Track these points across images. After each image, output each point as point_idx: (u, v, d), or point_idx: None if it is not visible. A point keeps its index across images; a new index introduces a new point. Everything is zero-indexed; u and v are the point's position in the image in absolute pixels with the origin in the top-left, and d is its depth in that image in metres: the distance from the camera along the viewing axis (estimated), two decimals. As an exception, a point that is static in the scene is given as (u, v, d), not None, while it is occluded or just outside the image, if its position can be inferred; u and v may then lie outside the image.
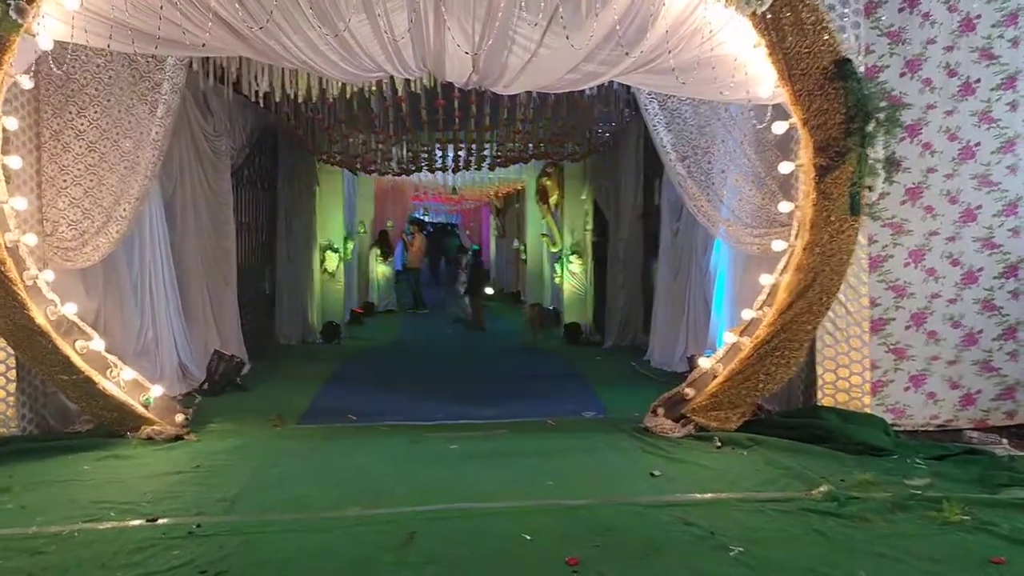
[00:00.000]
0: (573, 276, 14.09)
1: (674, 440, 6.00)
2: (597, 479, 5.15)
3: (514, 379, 8.95)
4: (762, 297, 5.91)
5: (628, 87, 9.37)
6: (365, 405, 7.44)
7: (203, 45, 4.64)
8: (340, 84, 8.15)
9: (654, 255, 10.82)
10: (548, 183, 14.49)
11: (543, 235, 15.59)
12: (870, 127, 4.95)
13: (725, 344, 6.11)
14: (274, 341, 11.33)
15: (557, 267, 14.64)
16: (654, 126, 6.33)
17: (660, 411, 6.29)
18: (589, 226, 13.77)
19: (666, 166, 6.47)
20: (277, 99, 8.52)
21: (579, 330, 13.38)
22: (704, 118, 6.26)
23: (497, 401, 7.55)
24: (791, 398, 6.37)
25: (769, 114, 5.91)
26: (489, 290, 22.93)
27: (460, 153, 12.04)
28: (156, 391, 6.16)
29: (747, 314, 5.93)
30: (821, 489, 4.76)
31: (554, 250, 14.83)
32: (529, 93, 9.86)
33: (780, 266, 5.79)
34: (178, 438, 6.11)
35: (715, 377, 6.07)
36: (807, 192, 5.34)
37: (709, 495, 4.76)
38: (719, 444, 5.83)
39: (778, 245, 5.79)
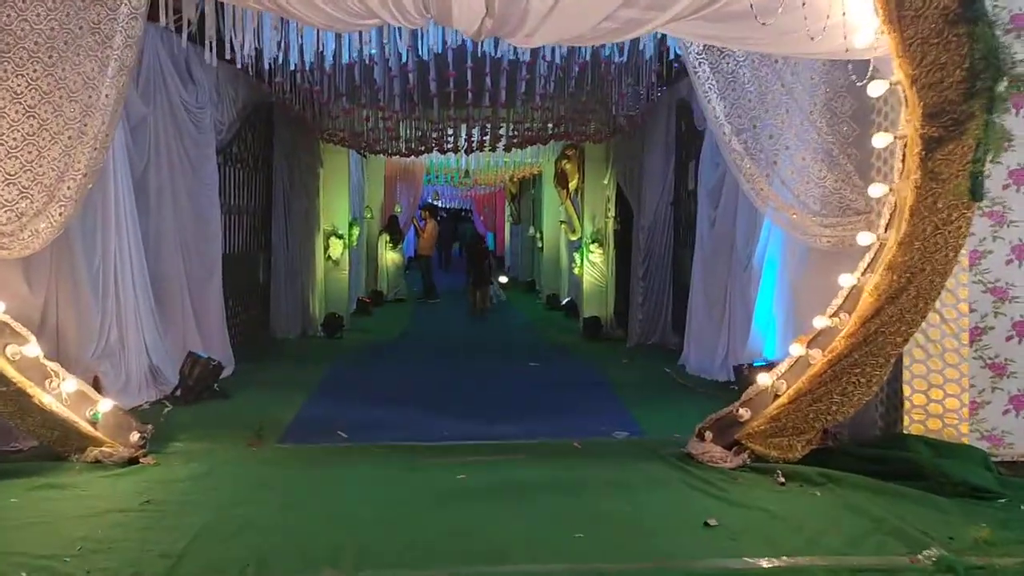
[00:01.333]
0: (593, 266, 12.95)
1: (727, 473, 4.90)
2: (637, 529, 4.05)
3: (533, 387, 7.81)
4: (838, 301, 4.77)
5: (660, 56, 8.27)
6: (360, 417, 6.35)
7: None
8: (335, 42, 7.06)
9: (686, 245, 9.68)
10: (568, 166, 13.34)
11: (562, 222, 14.46)
12: (1000, 87, 3.78)
13: (790, 357, 4.98)
14: (269, 335, 10.26)
15: (576, 256, 13.49)
16: (705, 93, 5.18)
17: (708, 435, 5.18)
18: (611, 213, 12.65)
19: (719, 141, 5.33)
20: (267, 65, 7.44)
21: (599, 324, 12.30)
22: (765, 83, 5.11)
23: (513, 414, 6.44)
24: (864, 422, 5.23)
25: (846, 73, 4.79)
26: (503, 279, 21.90)
27: (473, 132, 10.92)
28: (105, 405, 5.09)
29: (819, 322, 4.79)
30: (929, 553, 3.65)
31: (573, 238, 13.69)
32: (550, 64, 8.73)
33: (863, 264, 4.64)
34: (133, 461, 5.05)
35: (776, 396, 4.95)
36: (908, 172, 4.18)
37: (785, 560, 3.65)
38: (782, 480, 4.72)
39: (864, 238, 4.62)
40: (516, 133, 11.02)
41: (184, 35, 6.58)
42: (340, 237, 12.95)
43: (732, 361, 7.22)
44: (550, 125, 10.50)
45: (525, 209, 22.39)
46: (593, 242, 12.95)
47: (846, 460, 4.92)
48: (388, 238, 17.45)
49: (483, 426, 6.01)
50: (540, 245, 18.58)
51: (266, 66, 7.17)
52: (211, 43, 6.38)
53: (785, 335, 6.40)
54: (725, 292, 7.66)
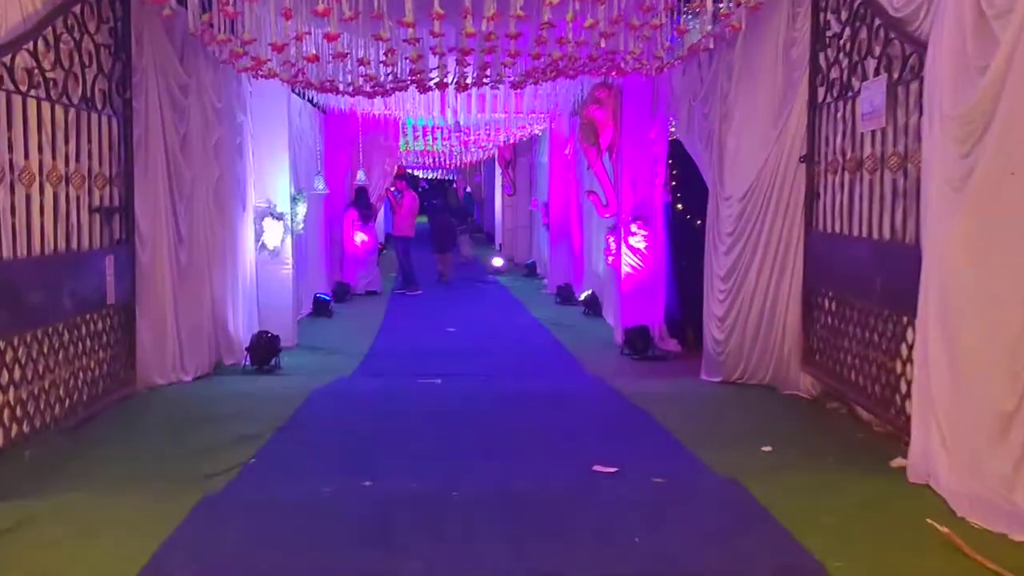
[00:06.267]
0: (635, 254, 8.75)
1: None
2: None
3: (642, 558, 3.21)
4: None
5: None
6: None
7: None
8: None
9: (841, 231, 5.48)
10: (598, 114, 9.04)
11: (588, 192, 10.16)
12: None
13: None
14: (129, 392, 5.85)
15: (610, 241, 9.25)
16: None
17: None
18: (660, 179, 8.45)
19: None
20: None
21: (648, 338, 8.20)
22: None
23: None
24: None
25: None
26: (498, 260, 17.70)
27: (468, 58, 6.60)
28: None
29: None
30: None
31: (607, 215, 9.43)
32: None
33: None
34: None
35: None
36: None
37: None
38: None
39: None
40: (538, 59, 6.73)
41: None
42: (279, 218, 8.64)
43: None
44: (585, 47, 6.18)
45: (522, 178, 18.11)
46: (635, 220, 8.73)
47: None
48: (356, 216, 13.21)
49: None
50: (546, 222, 14.36)
51: None
52: None
53: None
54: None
